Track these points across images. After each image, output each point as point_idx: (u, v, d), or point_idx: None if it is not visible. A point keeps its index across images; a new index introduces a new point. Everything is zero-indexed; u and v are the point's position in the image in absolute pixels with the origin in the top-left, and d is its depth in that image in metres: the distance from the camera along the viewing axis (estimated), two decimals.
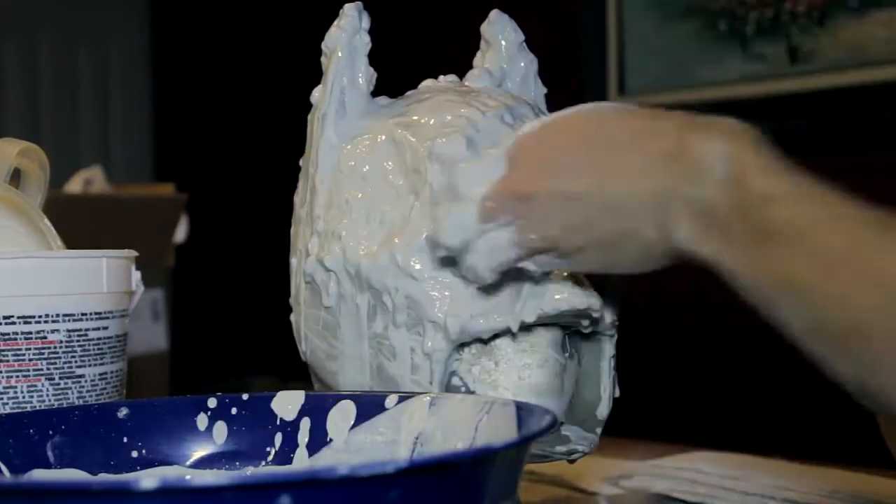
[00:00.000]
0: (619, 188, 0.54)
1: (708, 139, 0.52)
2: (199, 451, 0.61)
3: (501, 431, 0.54)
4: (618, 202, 0.54)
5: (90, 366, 0.67)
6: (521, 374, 0.64)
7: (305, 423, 0.61)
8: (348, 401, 0.61)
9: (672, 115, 0.56)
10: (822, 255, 0.49)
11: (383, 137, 0.66)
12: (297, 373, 0.76)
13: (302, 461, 0.61)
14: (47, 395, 0.65)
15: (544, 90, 0.74)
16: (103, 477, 0.58)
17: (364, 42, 0.69)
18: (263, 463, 0.61)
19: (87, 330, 0.67)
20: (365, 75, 0.69)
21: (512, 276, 0.61)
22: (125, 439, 0.60)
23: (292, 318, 0.70)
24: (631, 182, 0.54)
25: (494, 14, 0.73)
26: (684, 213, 0.53)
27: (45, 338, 0.66)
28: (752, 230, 0.50)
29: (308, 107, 0.70)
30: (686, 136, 0.53)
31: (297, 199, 0.71)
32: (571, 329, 0.66)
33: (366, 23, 0.69)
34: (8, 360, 0.64)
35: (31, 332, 0.65)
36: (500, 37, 0.73)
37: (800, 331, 0.50)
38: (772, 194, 0.51)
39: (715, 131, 0.53)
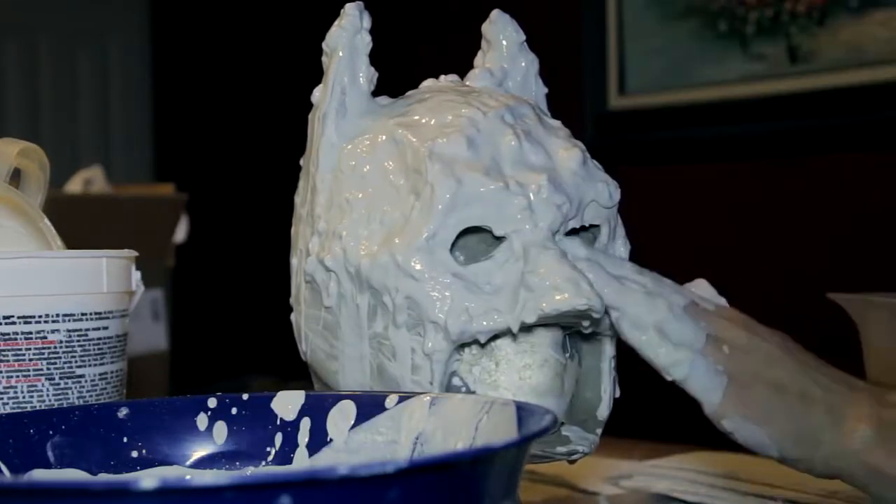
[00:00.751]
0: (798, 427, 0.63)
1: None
2: (199, 451, 0.61)
3: (501, 431, 0.54)
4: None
5: (90, 366, 0.67)
6: (521, 374, 0.64)
7: (305, 423, 0.61)
8: (348, 401, 0.61)
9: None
10: None
11: (384, 137, 0.66)
12: (297, 373, 0.76)
13: (302, 461, 0.61)
14: (47, 395, 0.65)
15: (545, 90, 0.74)
16: (103, 477, 0.58)
17: (365, 42, 0.69)
18: (263, 463, 0.61)
19: (87, 330, 0.67)
20: (366, 75, 0.68)
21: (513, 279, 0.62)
22: (125, 439, 0.60)
23: (293, 317, 0.70)
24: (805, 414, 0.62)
25: (495, 14, 0.73)
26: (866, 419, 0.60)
27: (45, 338, 0.66)
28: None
29: (308, 106, 0.70)
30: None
31: (297, 198, 0.71)
32: (572, 329, 0.66)
33: (367, 22, 0.69)
34: (8, 360, 0.64)
35: (31, 332, 0.65)
36: (501, 36, 0.73)
37: None
38: None
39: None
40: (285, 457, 0.61)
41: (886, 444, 0.60)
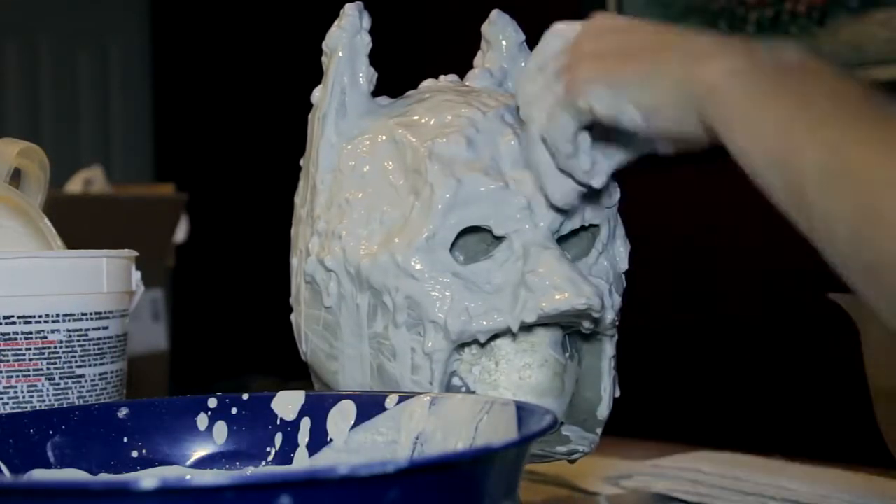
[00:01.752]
0: (661, 39, 0.58)
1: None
2: (199, 451, 0.61)
3: (501, 431, 0.54)
4: (662, 43, 0.57)
5: (90, 366, 0.67)
6: (521, 374, 0.64)
7: (305, 423, 0.61)
8: (348, 401, 0.61)
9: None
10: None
11: (384, 137, 0.66)
12: (297, 373, 0.76)
13: (302, 461, 0.61)
14: (47, 395, 0.65)
15: None
16: (103, 477, 0.58)
17: (365, 42, 0.69)
18: (263, 463, 0.61)
19: (87, 330, 0.67)
20: (365, 75, 0.69)
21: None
22: (125, 439, 0.60)
23: (293, 317, 0.70)
24: (673, 39, 0.57)
25: (495, 14, 0.73)
26: (715, 56, 0.54)
27: (46, 338, 0.66)
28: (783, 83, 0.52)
29: (308, 107, 0.70)
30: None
31: (297, 198, 0.71)
32: (572, 329, 0.66)
33: (366, 23, 0.69)
34: (8, 360, 0.64)
35: (31, 332, 0.65)
36: (501, 36, 0.73)
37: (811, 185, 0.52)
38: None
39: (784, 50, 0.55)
40: (285, 457, 0.61)
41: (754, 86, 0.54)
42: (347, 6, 0.69)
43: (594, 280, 0.65)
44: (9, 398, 0.64)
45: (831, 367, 1.54)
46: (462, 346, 0.64)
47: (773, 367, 1.73)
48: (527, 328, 0.64)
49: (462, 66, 0.74)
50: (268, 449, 0.61)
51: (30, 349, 0.65)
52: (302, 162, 0.71)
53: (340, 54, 0.68)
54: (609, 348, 0.68)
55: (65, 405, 0.65)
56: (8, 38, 2.84)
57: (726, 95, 0.53)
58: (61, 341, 0.66)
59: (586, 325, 0.65)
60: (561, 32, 0.61)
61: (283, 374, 1.65)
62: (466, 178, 0.63)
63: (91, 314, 0.68)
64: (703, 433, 1.25)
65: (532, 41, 0.74)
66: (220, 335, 2.86)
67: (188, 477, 0.59)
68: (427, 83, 0.72)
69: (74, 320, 0.67)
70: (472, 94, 0.68)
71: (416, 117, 0.66)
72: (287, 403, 0.62)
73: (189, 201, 1.48)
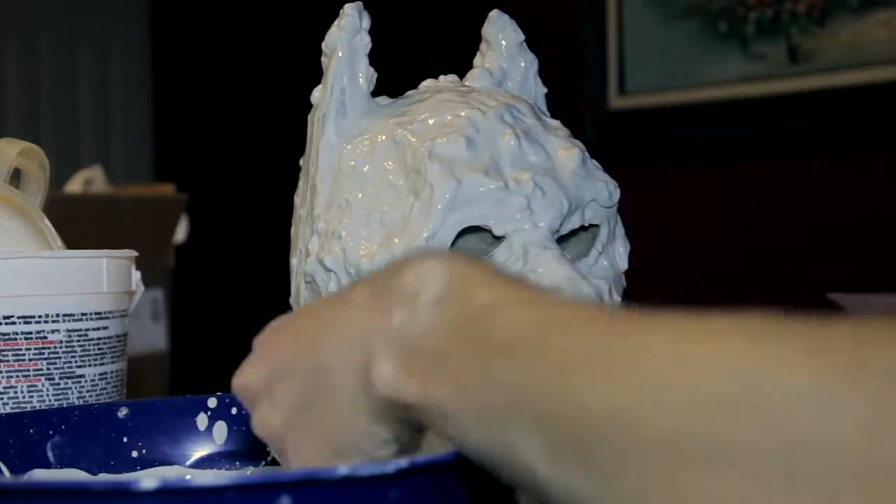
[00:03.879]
0: (311, 348, 0.46)
1: (419, 265, 0.43)
2: (199, 451, 0.61)
3: None
4: (310, 362, 0.45)
5: (90, 366, 0.67)
6: None
7: None
8: None
9: (364, 283, 0.45)
10: (562, 356, 0.37)
11: (383, 137, 0.66)
12: None
13: None
14: (47, 395, 0.65)
15: (544, 90, 0.74)
16: (103, 477, 0.58)
17: (364, 42, 0.69)
18: (263, 463, 0.61)
19: (87, 330, 0.67)
20: (365, 75, 0.68)
21: None
22: (125, 439, 0.60)
23: None
24: (325, 336, 0.45)
25: (494, 14, 0.73)
26: (384, 349, 0.42)
27: (45, 338, 0.66)
28: (478, 347, 0.39)
29: (308, 107, 0.70)
30: (397, 272, 0.43)
31: (297, 198, 0.71)
32: None
33: (366, 23, 0.69)
34: (8, 360, 0.64)
35: (31, 332, 0.65)
36: (501, 36, 0.73)
37: (540, 461, 0.37)
38: (498, 303, 0.40)
39: (426, 258, 0.43)
40: None
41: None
42: (347, 6, 0.69)
43: (594, 280, 0.65)
44: (9, 398, 0.64)
45: None
46: None
47: None
48: None
49: (462, 66, 0.74)
50: (268, 449, 0.61)
51: (30, 349, 0.65)
52: (302, 162, 0.71)
53: (340, 54, 0.68)
54: None
55: (65, 405, 0.65)
56: (8, 38, 2.84)
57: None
58: (61, 341, 0.66)
59: None
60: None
61: None
62: (466, 178, 0.63)
63: (91, 314, 0.68)
64: None
65: (532, 41, 0.74)
66: (220, 335, 2.86)
67: (188, 477, 0.59)
68: (427, 83, 0.72)
69: (74, 320, 0.67)
70: (472, 94, 0.68)
71: (415, 117, 0.66)
72: None
73: (189, 201, 1.48)
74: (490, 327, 0.39)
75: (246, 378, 0.49)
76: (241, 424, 0.62)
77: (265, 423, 0.48)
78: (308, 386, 0.45)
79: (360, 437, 0.44)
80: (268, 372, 0.48)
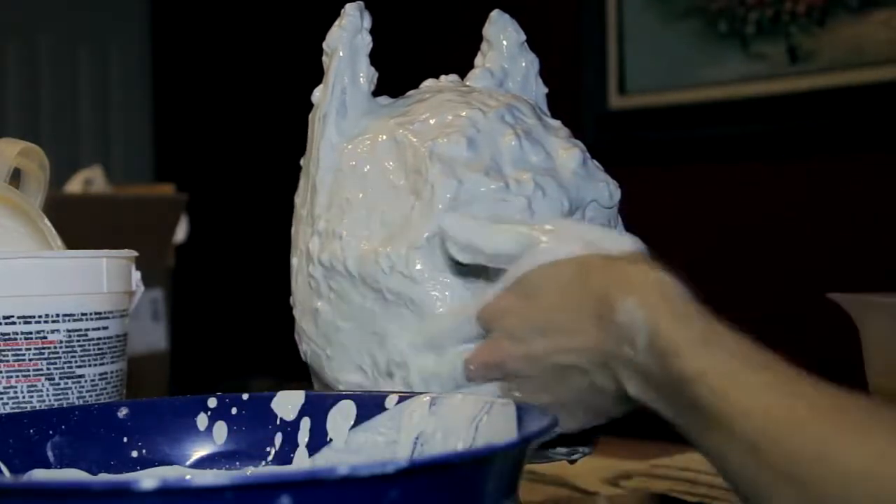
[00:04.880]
0: (569, 353, 0.57)
1: (626, 304, 0.54)
2: (199, 451, 0.61)
3: (501, 431, 0.54)
4: (569, 362, 0.57)
5: (90, 366, 0.67)
6: None
7: (305, 423, 0.61)
8: (348, 401, 0.61)
9: (599, 269, 0.57)
10: (749, 441, 0.48)
11: (384, 137, 0.66)
12: (297, 373, 0.76)
13: (302, 461, 0.61)
14: (47, 395, 0.65)
15: (545, 90, 0.74)
16: (103, 477, 0.58)
17: (365, 42, 0.69)
18: (263, 463, 0.61)
19: (87, 330, 0.67)
20: (366, 75, 0.68)
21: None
22: (125, 439, 0.60)
23: (295, 313, 0.70)
24: (575, 342, 0.57)
25: (495, 14, 0.73)
26: (626, 371, 0.54)
27: (45, 338, 0.66)
28: (679, 402, 0.51)
29: (309, 106, 0.70)
30: (609, 304, 0.55)
31: (297, 198, 0.71)
32: None
33: (367, 22, 0.69)
34: (8, 360, 0.64)
35: (31, 332, 0.65)
36: (501, 36, 0.73)
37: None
38: (693, 373, 0.50)
39: (631, 294, 0.54)
40: (285, 457, 0.61)
41: None
42: (348, 6, 0.69)
43: None
44: (9, 398, 0.64)
45: (831, 367, 1.53)
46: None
47: None
48: None
49: (462, 66, 0.74)
50: (268, 449, 0.61)
51: (30, 349, 0.65)
52: (302, 162, 0.71)
53: (341, 54, 0.68)
54: None
55: (65, 405, 0.65)
56: (8, 38, 2.84)
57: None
58: (61, 341, 0.66)
59: None
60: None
61: (283, 374, 1.65)
62: (467, 178, 0.63)
63: (91, 314, 0.67)
64: None
65: (533, 41, 0.74)
66: (221, 335, 2.86)
67: (188, 477, 0.59)
68: (427, 83, 0.72)
69: (74, 320, 0.67)
70: (472, 94, 0.68)
71: (416, 117, 0.66)
72: (287, 403, 0.62)
73: (189, 201, 1.48)
74: (691, 392, 0.50)
75: (500, 310, 0.60)
76: (241, 424, 0.62)
77: (520, 388, 0.59)
78: (567, 382, 0.58)
79: (617, 410, 0.58)
80: (515, 352, 0.59)
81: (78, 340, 0.67)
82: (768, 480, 0.47)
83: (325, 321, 0.67)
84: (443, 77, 0.72)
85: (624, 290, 0.54)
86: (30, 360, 0.65)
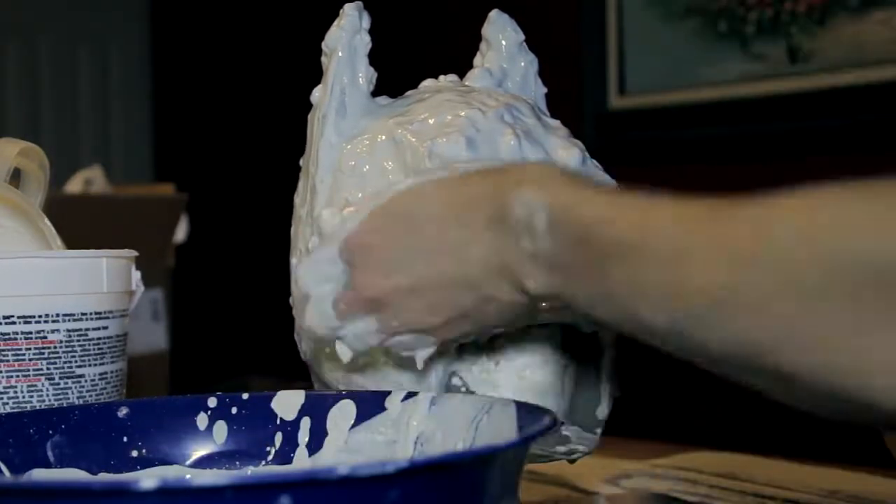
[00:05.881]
0: (457, 266, 0.55)
1: (521, 195, 0.53)
2: (199, 451, 0.61)
3: (501, 431, 0.54)
4: (461, 279, 0.56)
5: (90, 366, 0.67)
6: (521, 373, 0.64)
7: (305, 423, 0.61)
8: (348, 400, 0.61)
9: (483, 176, 0.57)
10: (666, 252, 0.48)
11: (383, 137, 0.66)
12: (297, 373, 0.76)
13: (302, 461, 0.61)
14: (47, 395, 0.65)
15: (544, 90, 0.74)
16: (103, 477, 0.58)
17: (364, 42, 0.69)
18: (263, 463, 0.61)
19: (87, 330, 0.67)
20: (365, 75, 0.68)
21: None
22: (125, 439, 0.60)
23: (295, 313, 0.70)
24: (466, 257, 0.55)
25: (494, 14, 0.73)
26: (527, 267, 0.53)
27: (45, 338, 0.66)
28: (588, 260, 0.50)
29: (308, 106, 0.70)
30: (502, 201, 0.53)
31: (297, 198, 0.71)
32: (572, 328, 0.66)
33: (366, 22, 0.69)
34: (8, 360, 0.64)
35: (31, 332, 0.65)
36: (501, 36, 0.73)
37: (666, 332, 0.48)
38: (598, 218, 0.50)
39: (525, 184, 0.53)
40: (285, 457, 0.61)
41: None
42: (347, 6, 0.69)
43: None
44: (9, 398, 0.64)
45: None
46: (462, 345, 0.64)
47: None
48: (526, 328, 0.64)
49: (462, 66, 0.74)
50: (268, 448, 0.61)
51: (30, 349, 0.65)
52: (302, 162, 0.71)
53: (340, 54, 0.68)
54: (609, 348, 0.68)
55: (65, 405, 0.65)
56: (8, 38, 2.84)
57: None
58: (61, 341, 0.66)
59: (586, 324, 0.65)
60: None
61: (283, 374, 1.65)
62: None
63: (91, 314, 0.67)
64: (703, 433, 1.25)
65: (532, 41, 0.74)
66: (220, 335, 2.86)
67: (188, 477, 0.59)
68: (427, 83, 0.72)
69: (74, 320, 0.67)
70: (472, 94, 0.68)
71: (415, 117, 0.66)
72: (287, 403, 0.62)
73: (189, 201, 1.48)
74: (599, 239, 0.49)
75: (366, 244, 0.58)
76: (241, 424, 0.62)
77: (402, 319, 0.58)
78: (459, 300, 0.56)
79: (516, 322, 0.58)
80: (391, 283, 0.57)
81: (78, 340, 0.67)
82: (698, 269, 0.47)
83: None
84: (442, 77, 0.72)
85: (516, 183, 0.53)
86: (30, 359, 0.65)
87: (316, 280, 0.60)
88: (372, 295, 0.58)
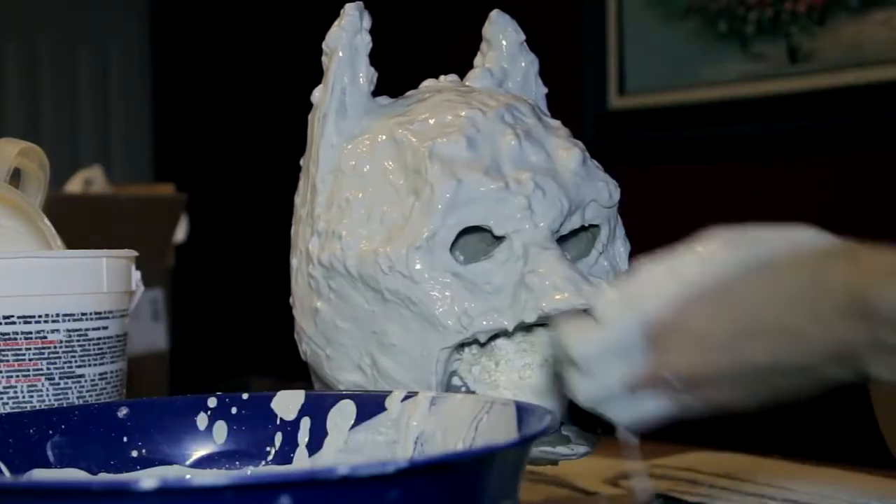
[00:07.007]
0: (795, 352, 0.53)
1: (889, 292, 0.51)
2: (199, 451, 0.61)
3: (501, 431, 0.54)
4: (797, 365, 0.54)
5: (90, 366, 0.67)
6: (521, 374, 0.64)
7: (305, 423, 0.61)
8: (348, 400, 0.61)
9: (827, 262, 0.56)
10: None
11: (384, 137, 0.66)
12: (297, 373, 0.76)
13: (302, 461, 0.61)
14: (47, 395, 0.65)
15: (545, 90, 0.74)
16: (103, 477, 0.58)
17: (365, 42, 0.69)
18: (263, 463, 0.61)
19: (87, 330, 0.67)
20: (366, 75, 0.69)
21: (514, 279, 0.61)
22: (125, 439, 0.60)
23: (295, 313, 0.70)
24: (807, 343, 0.53)
25: (495, 14, 0.73)
26: (882, 357, 0.52)
27: (45, 338, 0.66)
28: None
29: (308, 106, 0.70)
30: (864, 292, 0.52)
31: (297, 198, 0.71)
32: None
33: (367, 22, 0.69)
34: (8, 360, 0.64)
35: (31, 332, 0.65)
36: (501, 36, 0.73)
37: None
38: None
39: (891, 277, 0.52)
40: (285, 457, 0.61)
41: None
42: (347, 6, 0.69)
43: (594, 280, 0.65)
44: (9, 398, 0.64)
45: None
46: (462, 346, 0.64)
47: None
48: (527, 328, 0.64)
49: (462, 66, 0.74)
50: (268, 449, 0.61)
51: (30, 349, 0.65)
52: (302, 162, 0.71)
53: (340, 54, 0.68)
54: None
55: (65, 405, 0.65)
56: (8, 38, 2.84)
57: None
58: (61, 341, 0.66)
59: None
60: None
61: (283, 374, 1.65)
62: (466, 178, 0.63)
63: (91, 314, 0.67)
64: (703, 433, 1.25)
65: (532, 41, 0.74)
66: (221, 335, 2.86)
67: (188, 477, 0.59)
68: (427, 83, 0.72)
69: (74, 320, 0.67)
70: (472, 94, 0.68)
71: (416, 117, 0.67)
72: (287, 403, 0.62)
73: (189, 201, 1.48)
74: None
75: (679, 324, 0.54)
76: (241, 424, 0.62)
77: (710, 399, 0.55)
78: (785, 382, 0.54)
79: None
80: (712, 364, 0.54)
81: (78, 340, 0.67)
82: None
83: (324, 321, 0.67)
84: (442, 77, 0.72)
85: (886, 274, 0.52)
86: (30, 359, 0.65)
87: (608, 362, 0.55)
88: (676, 374, 0.55)
